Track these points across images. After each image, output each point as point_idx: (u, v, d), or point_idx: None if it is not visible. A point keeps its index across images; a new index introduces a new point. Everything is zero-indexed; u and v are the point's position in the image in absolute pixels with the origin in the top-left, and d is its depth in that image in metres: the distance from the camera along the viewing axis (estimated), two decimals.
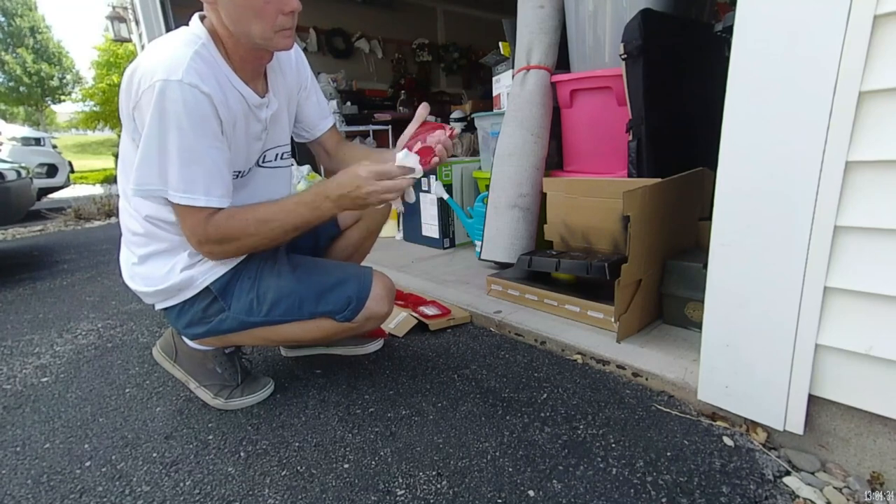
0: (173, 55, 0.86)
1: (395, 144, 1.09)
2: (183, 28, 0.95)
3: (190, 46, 0.89)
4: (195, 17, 0.96)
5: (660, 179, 1.39)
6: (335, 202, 0.96)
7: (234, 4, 0.88)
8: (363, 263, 1.31)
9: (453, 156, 3.33)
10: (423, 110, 1.05)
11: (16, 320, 1.86)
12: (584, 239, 1.72)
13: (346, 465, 0.95)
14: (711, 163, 0.97)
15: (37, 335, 1.70)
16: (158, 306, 1.09)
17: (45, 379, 1.37)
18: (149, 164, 0.88)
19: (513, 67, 2.04)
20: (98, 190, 7.06)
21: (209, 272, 1.03)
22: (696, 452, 0.95)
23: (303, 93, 1.18)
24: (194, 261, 1.03)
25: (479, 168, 2.50)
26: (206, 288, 1.04)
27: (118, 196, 1.08)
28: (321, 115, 1.25)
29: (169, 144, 0.87)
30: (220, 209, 0.94)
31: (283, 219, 0.97)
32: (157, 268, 1.03)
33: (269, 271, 1.06)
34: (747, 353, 0.96)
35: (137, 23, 3.18)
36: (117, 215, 2.04)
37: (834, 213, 0.81)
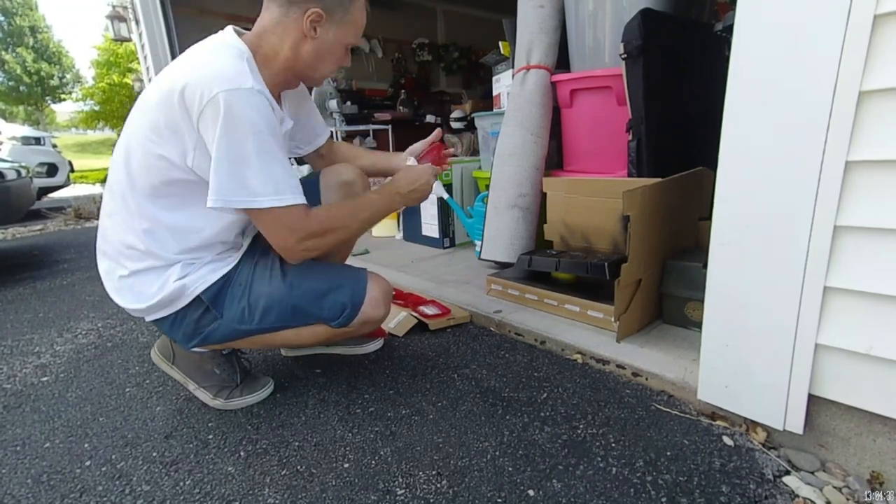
0: (231, 66, 0.88)
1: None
2: (219, 40, 0.96)
3: (241, 60, 0.91)
4: (231, 31, 0.98)
5: (660, 179, 1.39)
6: (405, 196, 1.13)
7: (325, 48, 0.99)
8: (363, 264, 1.32)
9: (453, 156, 3.33)
10: (436, 136, 1.18)
11: (16, 320, 1.86)
12: (584, 239, 1.72)
13: (346, 465, 0.95)
14: (711, 163, 0.97)
15: (37, 335, 1.70)
16: (149, 318, 1.06)
17: (45, 378, 1.37)
18: (230, 176, 0.88)
19: (513, 67, 2.04)
20: (98, 189, 7.06)
21: (200, 280, 1.01)
22: (696, 452, 0.95)
23: (303, 110, 1.21)
24: (186, 271, 1.00)
25: (479, 168, 2.50)
26: (198, 297, 1.01)
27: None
28: (319, 130, 1.28)
29: (248, 152, 0.87)
30: (307, 205, 0.97)
31: (367, 208, 1.08)
32: (149, 283, 1.00)
33: (260, 278, 1.04)
34: (747, 353, 0.96)
35: (137, 22, 3.19)
36: None
37: (834, 212, 0.81)
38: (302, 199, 0.95)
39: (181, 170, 0.93)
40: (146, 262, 1.00)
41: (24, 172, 2.91)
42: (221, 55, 0.92)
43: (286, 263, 1.07)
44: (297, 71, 1.02)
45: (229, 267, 1.04)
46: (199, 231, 1.00)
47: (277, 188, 0.91)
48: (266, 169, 0.90)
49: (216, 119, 0.85)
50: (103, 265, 1.05)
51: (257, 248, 1.08)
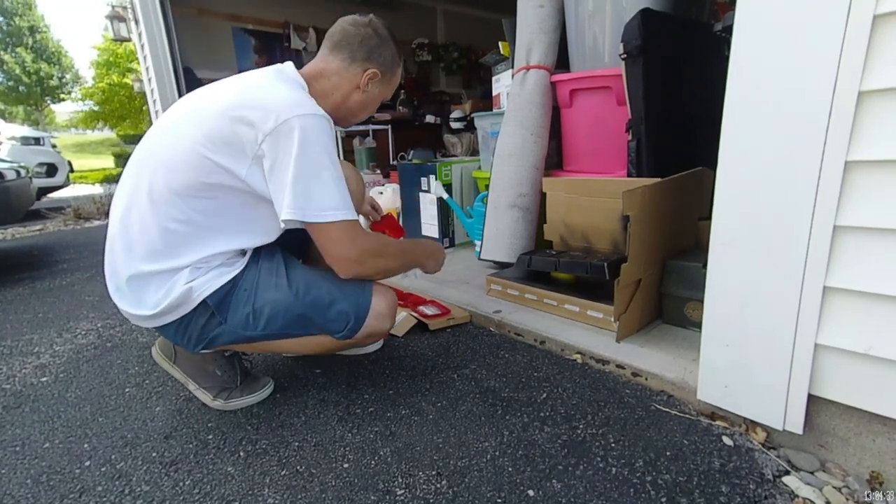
0: (301, 96, 0.98)
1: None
2: (283, 71, 1.04)
3: (305, 91, 1.03)
4: (291, 65, 1.07)
5: (660, 179, 1.39)
6: (427, 260, 1.24)
7: (369, 100, 1.15)
8: None
9: (453, 155, 3.33)
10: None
11: (15, 320, 1.86)
12: (583, 239, 1.72)
13: (345, 465, 0.95)
14: (711, 163, 0.97)
15: (36, 335, 1.70)
16: (152, 325, 1.03)
17: (44, 378, 1.37)
18: (305, 193, 0.93)
19: (512, 67, 2.04)
20: (97, 189, 7.05)
21: (206, 284, 0.99)
22: (696, 452, 0.95)
23: None
24: (194, 276, 0.99)
25: (479, 168, 2.50)
26: (203, 302, 1.00)
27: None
28: None
29: (321, 171, 0.95)
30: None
31: (409, 254, 1.19)
32: (155, 288, 0.98)
33: (266, 284, 1.03)
34: (747, 353, 0.96)
35: (137, 22, 3.18)
36: None
37: (833, 212, 0.81)
38: (356, 217, 1.02)
39: (230, 176, 0.95)
40: (159, 262, 0.98)
41: (23, 172, 2.91)
42: (290, 85, 1.00)
43: (292, 271, 1.07)
44: (340, 114, 1.13)
45: (236, 272, 1.02)
46: (228, 237, 1.01)
47: (344, 203, 0.98)
48: (334, 186, 0.97)
49: (290, 140, 0.91)
50: (112, 260, 1.02)
51: (260, 253, 1.08)
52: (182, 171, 0.95)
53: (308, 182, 0.94)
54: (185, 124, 0.98)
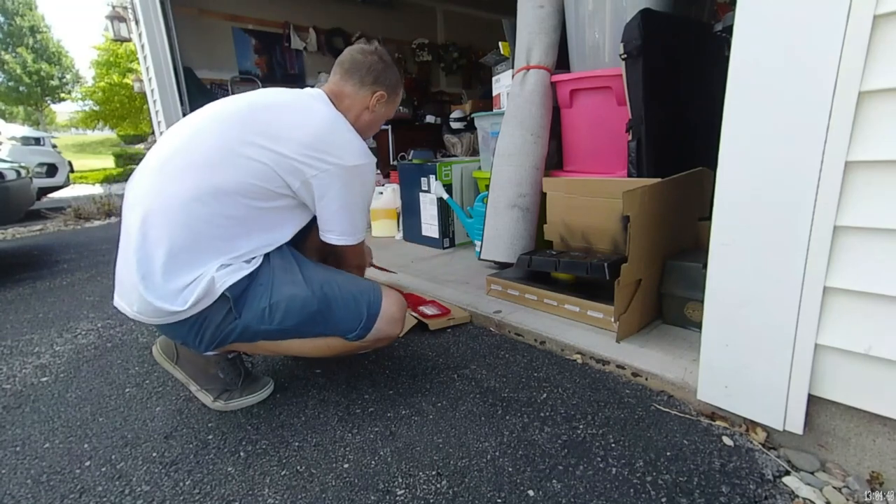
0: (360, 142, 1.13)
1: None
2: (330, 105, 1.15)
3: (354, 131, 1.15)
4: (326, 97, 1.17)
5: (660, 179, 1.39)
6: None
7: (376, 119, 1.26)
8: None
9: (453, 155, 3.33)
10: None
11: (15, 320, 1.86)
12: (583, 239, 1.72)
13: (345, 465, 0.95)
14: (711, 163, 0.97)
15: (36, 335, 1.70)
16: (170, 322, 1.01)
17: (44, 378, 1.37)
18: (351, 222, 1.15)
19: (512, 67, 2.04)
20: (98, 189, 7.05)
21: (227, 276, 1.00)
22: (696, 452, 0.95)
23: None
24: (220, 271, 1.00)
25: (479, 168, 2.50)
26: (223, 295, 1.00)
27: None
28: None
29: (364, 205, 1.19)
30: None
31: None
32: (187, 279, 0.99)
33: (283, 280, 1.06)
34: (747, 353, 0.96)
35: (137, 22, 3.18)
36: (119, 215, 1.99)
37: (833, 213, 0.81)
38: None
39: (285, 186, 1.06)
40: (201, 253, 0.99)
41: (23, 173, 2.91)
42: (347, 128, 1.13)
43: (305, 269, 1.11)
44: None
45: (253, 268, 1.05)
46: (263, 233, 1.07)
47: (365, 227, 1.19)
48: (365, 216, 1.20)
49: (345, 182, 1.08)
50: (146, 248, 0.99)
51: (271, 252, 1.10)
52: (240, 175, 1.02)
53: (353, 214, 1.14)
54: (226, 129, 1.05)
